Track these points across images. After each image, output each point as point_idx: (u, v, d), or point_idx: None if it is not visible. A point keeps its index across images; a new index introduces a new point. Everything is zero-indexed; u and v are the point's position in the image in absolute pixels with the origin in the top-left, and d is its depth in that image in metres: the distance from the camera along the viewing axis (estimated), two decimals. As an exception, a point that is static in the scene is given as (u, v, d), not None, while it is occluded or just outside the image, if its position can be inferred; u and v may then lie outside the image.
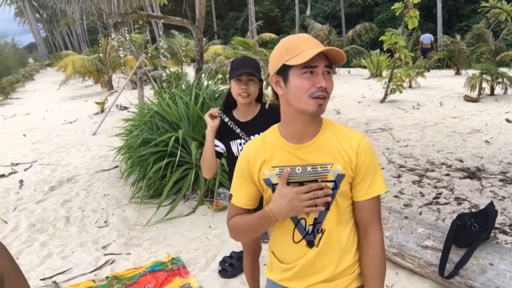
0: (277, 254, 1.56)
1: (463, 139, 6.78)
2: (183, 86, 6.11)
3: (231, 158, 2.33)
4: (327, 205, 1.42)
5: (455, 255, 2.81)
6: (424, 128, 7.66)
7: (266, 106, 2.33)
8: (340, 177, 1.40)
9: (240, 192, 1.53)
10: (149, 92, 10.30)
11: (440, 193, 4.67)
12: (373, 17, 28.96)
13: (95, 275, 3.50)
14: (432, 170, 5.40)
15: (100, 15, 4.93)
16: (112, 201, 5.14)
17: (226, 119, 2.30)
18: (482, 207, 3.93)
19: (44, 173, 6.63)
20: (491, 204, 2.99)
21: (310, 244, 1.46)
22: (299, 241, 1.46)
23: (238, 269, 3.31)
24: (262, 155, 1.46)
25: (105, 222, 4.58)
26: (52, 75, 31.46)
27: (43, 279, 3.47)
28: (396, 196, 4.65)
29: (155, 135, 4.96)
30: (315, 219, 1.43)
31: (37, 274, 3.57)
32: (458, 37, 16.52)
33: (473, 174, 5.16)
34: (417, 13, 9.03)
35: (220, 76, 8.14)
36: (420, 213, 4.19)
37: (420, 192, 4.74)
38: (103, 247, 4.00)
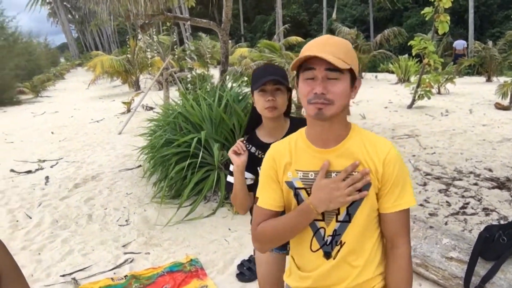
0: (296, 260, 1.52)
1: (493, 148, 6.57)
2: (208, 87, 6.12)
3: None
4: (349, 217, 1.36)
5: (481, 268, 2.70)
6: (452, 136, 7.46)
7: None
8: (365, 186, 1.34)
9: (268, 193, 1.48)
10: (174, 93, 10.39)
11: (468, 203, 4.52)
12: (402, 21, 28.54)
13: (114, 273, 3.52)
14: (460, 179, 5.24)
15: (128, 16, 4.98)
16: (134, 200, 5.17)
17: (253, 150, 1.96)
18: (511, 219, 3.78)
19: (69, 170, 6.74)
20: (521, 216, 2.86)
21: (327, 255, 1.41)
22: (317, 251, 1.42)
23: (256, 273, 3.27)
24: (287, 156, 1.43)
25: (126, 220, 4.61)
26: (82, 74, 32.19)
27: (63, 275, 3.50)
28: (421, 205, 4.53)
29: (178, 136, 4.97)
30: (335, 230, 1.38)
31: (57, 270, 3.62)
32: (490, 43, 16.10)
33: (502, 184, 4.98)
34: (448, 18, 8.83)
35: (245, 78, 8.13)
36: (446, 223, 4.06)
37: (447, 201, 4.60)
38: (123, 246, 4.02)
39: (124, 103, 12.74)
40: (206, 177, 4.74)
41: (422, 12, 9.31)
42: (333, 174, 1.35)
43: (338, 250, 1.39)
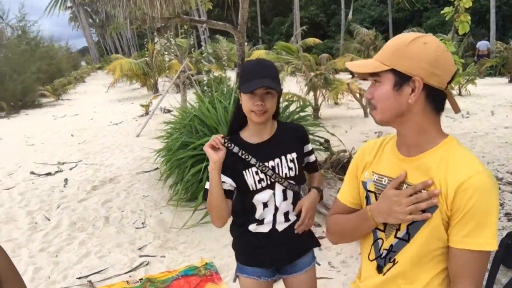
0: (360, 266, 1.48)
1: (515, 151, 6.40)
2: (224, 90, 6.12)
3: (246, 193, 1.75)
4: (408, 236, 1.24)
5: (503, 276, 2.62)
6: (473, 138, 7.30)
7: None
8: (432, 208, 1.18)
9: (347, 188, 1.47)
10: (192, 95, 10.44)
11: (489, 208, 4.40)
12: (422, 22, 28.18)
13: (130, 276, 3.53)
14: (481, 183, 5.10)
15: (144, 19, 5.01)
16: (150, 203, 5.20)
17: (236, 149, 1.72)
18: (535, 224, 3.67)
19: (88, 173, 6.82)
20: (545, 223, 2.76)
21: (379, 269, 1.33)
22: (372, 260, 1.36)
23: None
24: (371, 156, 1.39)
25: (142, 223, 4.63)
26: (102, 78, 32.62)
27: (79, 278, 3.53)
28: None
29: (194, 139, 4.97)
30: (391, 245, 1.28)
31: (74, 272, 3.65)
32: (512, 43, 15.77)
33: (526, 188, 4.84)
34: (469, 18, 8.61)
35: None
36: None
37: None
38: (139, 249, 4.04)
39: (142, 105, 12.85)
40: (222, 180, 4.71)
41: (442, 12, 9.12)
42: (404, 186, 1.25)
43: (389, 268, 1.30)
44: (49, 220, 4.91)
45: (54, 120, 13.91)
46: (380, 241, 1.33)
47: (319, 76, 9.63)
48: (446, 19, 9.14)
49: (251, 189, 1.72)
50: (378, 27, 27.88)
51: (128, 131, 10.50)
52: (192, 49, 13.59)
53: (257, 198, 1.74)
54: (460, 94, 12.25)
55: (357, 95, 10.00)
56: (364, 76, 1.30)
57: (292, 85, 10.88)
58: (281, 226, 1.79)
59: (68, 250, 4.10)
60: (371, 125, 8.88)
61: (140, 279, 3.43)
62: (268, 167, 1.73)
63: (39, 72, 20.70)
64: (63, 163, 7.59)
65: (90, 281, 3.46)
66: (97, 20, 59.85)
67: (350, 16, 25.67)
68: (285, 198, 1.77)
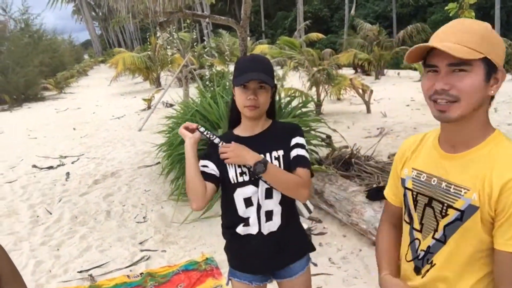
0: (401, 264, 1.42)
1: (518, 148, 6.38)
2: (226, 85, 6.10)
3: (228, 187, 1.72)
4: (444, 238, 1.18)
5: None
6: (476, 135, 7.28)
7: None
8: (471, 209, 1.11)
9: (390, 183, 1.45)
10: (194, 90, 10.44)
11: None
12: (426, 17, 28.08)
13: (130, 270, 3.54)
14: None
15: (146, 14, 5.00)
16: (152, 197, 5.20)
17: (216, 141, 1.70)
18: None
19: (89, 167, 6.83)
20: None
21: (417, 270, 1.28)
22: (409, 261, 1.31)
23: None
24: (411, 151, 1.34)
25: (143, 217, 4.64)
26: (104, 71, 32.64)
27: (80, 272, 3.54)
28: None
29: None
30: (429, 247, 1.23)
31: (75, 266, 3.66)
32: (517, 39, 15.68)
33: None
34: (473, 14, 8.55)
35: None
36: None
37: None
38: (140, 243, 4.04)
39: (144, 100, 12.85)
40: (223, 175, 4.72)
41: (446, 8, 9.07)
42: (444, 184, 1.19)
43: (428, 270, 1.24)
44: (51, 213, 4.92)
45: (56, 114, 13.94)
46: (417, 242, 1.28)
47: (322, 71, 9.60)
48: (450, 15, 9.06)
49: (232, 181, 1.68)
50: (382, 22, 27.78)
51: (130, 125, 10.51)
52: (195, 43, 13.58)
53: (238, 193, 1.69)
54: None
55: (360, 90, 9.97)
56: (416, 60, 1.19)
57: (294, 80, 10.86)
58: (265, 228, 1.72)
59: (69, 244, 4.11)
60: (374, 121, 8.87)
61: (140, 274, 3.44)
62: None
63: (42, 65, 20.75)
64: (65, 157, 7.60)
65: (91, 275, 3.47)
66: (100, 14, 59.84)
67: (353, 11, 25.58)
68: (269, 197, 1.69)
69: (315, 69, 9.80)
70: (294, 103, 5.71)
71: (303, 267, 1.85)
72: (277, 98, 5.58)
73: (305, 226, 3.97)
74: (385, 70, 18.72)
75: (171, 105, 11.71)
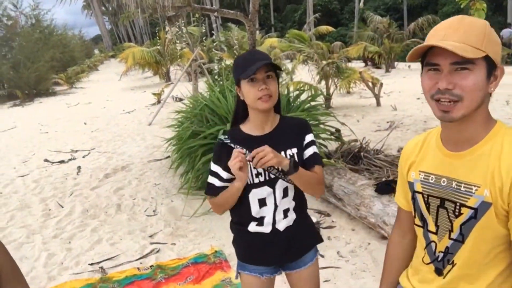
0: (413, 263, 1.42)
1: (530, 141, 6.30)
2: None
3: (243, 188, 1.67)
4: (462, 237, 1.18)
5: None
6: (487, 128, 7.20)
7: None
8: (484, 205, 1.11)
9: (399, 188, 1.45)
10: (204, 84, 10.46)
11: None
12: (437, 9, 27.76)
13: (140, 263, 3.58)
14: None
15: (155, 8, 5.02)
16: (162, 191, 5.25)
17: (245, 151, 1.59)
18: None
19: (100, 161, 6.90)
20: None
21: (438, 271, 1.27)
22: (428, 264, 1.31)
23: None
24: (415, 154, 1.32)
25: (153, 211, 4.68)
26: (115, 66, 32.79)
27: (91, 264, 3.59)
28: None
29: (204, 128, 4.99)
30: (447, 248, 1.23)
31: (86, 258, 3.71)
32: (530, 31, 15.45)
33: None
34: (484, 5, 8.44)
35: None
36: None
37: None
38: (150, 236, 4.09)
39: (154, 94, 12.91)
40: (232, 169, 4.73)
41: (457, -1, 8.95)
42: (454, 184, 1.18)
43: (449, 270, 1.24)
44: (62, 207, 4.99)
45: (67, 108, 14.07)
46: (433, 244, 1.27)
47: (331, 64, 9.55)
48: (462, 6, 8.95)
49: (248, 182, 1.67)
50: (392, 14, 27.54)
51: (140, 119, 10.57)
52: (204, 38, 13.58)
53: (254, 193, 1.69)
54: (475, 83, 12.08)
55: (370, 83, 9.91)
56: (417, 58, 1.17)
57: (303, 73, 10.82)
58: (281, 224, 1.74)
59: (81, 237, 4.17)
60: (383, 114, 8.82)
61: (150, 266, 3.48)
62: None
63: (53, 60, 20.93)
64: (76, 151, 7.69)
65: (101, 267, 3.52)
66: (110, 8, 59.99)
67: (361, 3, 25.36)
68: (285, 195, 1.72)
69: (324, 62, 9.76)
70: (303, 96, 5.70)
71: (311, 258, 1.87)
72: (285, 91, 5.57)
73: (314, 219, 3.98)
74: (396, 63, 18.55)
75: (181, 99, 11.75)
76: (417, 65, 18.40)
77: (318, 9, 34.07)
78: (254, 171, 1.68)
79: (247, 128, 1.74)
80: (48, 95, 18.67)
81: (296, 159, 1.69)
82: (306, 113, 5.13)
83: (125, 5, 5.42)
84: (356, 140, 5.62)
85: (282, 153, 1.67)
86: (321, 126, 5.25)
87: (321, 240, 1.93)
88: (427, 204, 1.27)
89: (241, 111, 1.75)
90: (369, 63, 19.14)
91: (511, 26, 18.49)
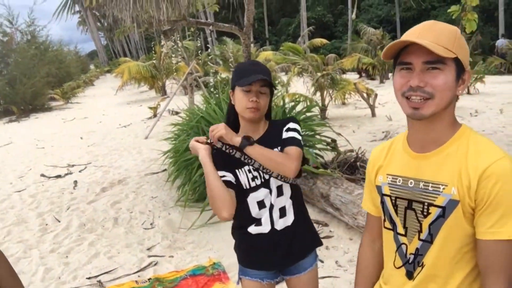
0: (384, 272, 1.42)
1: (524, 149, 6.36)
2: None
3: (240, 192, 1.74)
4: (430, 237, 1.19)
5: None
6: (481, 137, 7.26)
7: None
8: (452, 204, 1.13)
9: (366, 195, 1.46)
10: (200, 97, 10.51)
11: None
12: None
13: (138, 276, 3.57)
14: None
15: (151, 23, 5.07)
16: (159, 204, 5.24)
17: (219, 144, 1.73)
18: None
19: (97, 175, 6.89)
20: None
21: (409, 275, 1.27)
22: (399, 267, 1.29)
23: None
24: (382, 159, 1.35)
25: (151, 224, 4.67)
26: (110, 81, 32.85)
27: (89, 278, 3.57)
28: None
29: (201, 140, 5.00)
30: (417, 249, 1.23)
31: (84, 272, 3.69)
32: (521, 41, 15.66)
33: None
34: (476, 16, 8.60)
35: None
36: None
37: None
38: (148, 249, 4.08)
39: (150, 108, 12.94)
40: (229, 180, 4.75)
41: (449, 10, 9.10)
42: (421, 184, 1.20)
43: (419, 272, 1.24)
44: (59, 221, 4.97)
45: (63, 123, 14.06)
46: (404, 246, 1.27)
47: (326, 76, 9.63)
48: (453, 17, 9.12)
49: (245, 187, 1.74)
50: (385, 26, 27.83)
51: (137, 133, 10.58)
52: (199, 51, 13.66)
53: (252, 197, 1.74)
54: (468, 92, 12.18)
55: (365, 95, 9.99)
56: (391, 57, 1.21)
57: (299, 85, 10.89)
58: (279, 224, 1.76)
59: (78, 251, 4.15)
60: (379, 124, 8.88)
61: (148, 279, 3.46)
62: (256, 165, 1.71)
63: (49, 76, 20.92)
64: (73, 166, 7.67)
65: (99, 281, 3.50)
66: (105, 24, 60.29)
67: (354, 15, 25.53)
68: (280, 194, 1.75)
69: (319, 74, 9.84)
70: (299, 108, 5.74)
71: (311, 263, 1.89)
72: (281, 103, 5.61)
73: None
74: (390, 74, 18.67)
75: (177, 113, 11.77)
76: (411, 76, 18.56)
77: (312, 22, 34.37)
78: (250, 175, 1.73)
79: (239, 135, 1.78)
80: (44, 111, 18.66)
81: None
82: (302, 123, 5.16)
83: (121, 20, 5.46)
84: (352, 150, 5.65)
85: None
86: (317, 136, 5.28)
87: (320, 243, 1.95)
88: (395, 207, 1.28)
89: (232, 115, 1.82)
90: (363, 74, 19.29)
91: (504, 37, 18.76)
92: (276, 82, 10.62)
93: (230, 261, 3.68)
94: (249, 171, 1.73)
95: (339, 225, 4.13)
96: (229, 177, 1.73)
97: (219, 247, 3.98)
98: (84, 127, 12.55)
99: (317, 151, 5.12)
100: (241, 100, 1.71)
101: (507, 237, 1.07)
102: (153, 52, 19.59)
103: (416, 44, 1.10)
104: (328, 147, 5.49)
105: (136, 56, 48.94)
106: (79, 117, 15.20)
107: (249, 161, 1.71)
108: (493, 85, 13.40)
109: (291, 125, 1.77)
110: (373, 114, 9.93)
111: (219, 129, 1.68)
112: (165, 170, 6.38)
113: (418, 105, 1.13)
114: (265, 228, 1.77)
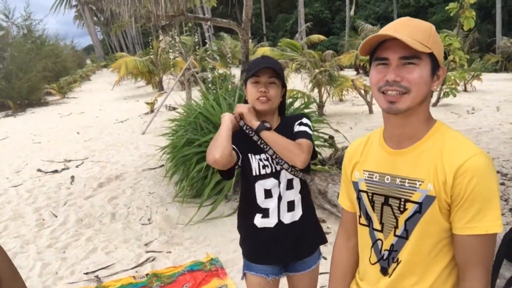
0: (360, 268, 1.43)
1: (521, 146, 6.39)
2: (229, 87, 6.14)
3: (249, 178, 1.79)
4: (406, 233, 1.20)
5: (506, 271, 2.62)
6: (478, 134, 7.29)
7: None
8: (428, 199, 1.14)
9: (342, 191, 1.46)
10: (197, 93, 10.48)
11: (494, 203, 4.40)
12: (427, 18, 28.03)
13: (136, 271, 3.57)
14: (486, 178, 5.11)
15: (149, 18, 5.05)
16: (156, 199, 5.24)
17: (241, 123, 1.80)
18: (539, 219, 3.67)
19: (94, 170, 6.87)
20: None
21: (383, 271, 1.27)
22: (374, 264, 1.30)
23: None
24: (359, 155, 1.35)
25: (148, 219, 4.67)
26: (107, 75, 32.72)
27: (86, 273, 3.57)
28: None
29: (198, 136, 5.00)
30: (392, 245, 1.24)
31: (81, 268, 3.69)
32: (518, 38, 15.69)
33: (531, 184, 4.84)
34: (473, 13, 8.61)
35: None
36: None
37: (472, 201, 4.49)
38: (145, 244, 4.08)
39: (147, 103, 12.91)
40: (227, 176, 4.75)
41: (447, 8, 9.11)
42: (398, 180, 1.21)
43: (395, 268, 1.24)
44: (56, 216, 4.96)
45: (60, 118, 14.01)
46: (379, 242, 1.27)
47: (324, 72, 9.63)
48: (451, 14, 9.13)
49: (254, 173, 1.76)
50: (383, 23, 27.76)
51: (134, 128, 10.55)
52: (197, 47, 13.63)
53: (260, 184, 1.76)
54: (465, 90, 12.22)
55: (362, 91, 9.99)
56: (367, 53, 1.22)
57: (296, 81, 10.89)
58: (286, 218, 1.78)
59: (75, 246, 4.14)
60: (376, 121, 8.89)
61: (146, 274, 3.47)
62: (268, 145, 1.75)
63: (45, 70, 20.82)
64: (70, 161, 7.65)
65: (97, 276, 3.50)
66: (102, 19, 59.96)
67: (352, 12, 25.60)
68: (290, 187, 1.77)
69: (316, 70, 9.83)
70: (297, 104, 5.74)
71: (315, 261, 1.91)
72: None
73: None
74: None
75: (174, 108, 11.76)
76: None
77: (310, 19, 34.33)
78: (261, 163, 1.76)
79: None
80: (40, 105, 18.57)
81: None
82: (300, 120, 5.16)
83: (119, 15, 5.43)
84: (349, 147, 5.65)
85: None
86: (315, 133, 5.28)
87: (326, 240, 1.97)
88: (372, 202, 1.29)
89: None
90: (360, 71, 19.31)
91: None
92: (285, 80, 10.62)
93: (228, 256, 3.69)
94: (261, 160, 1.77)
95: (337, 222, 4.14)
96: (237, 150, 1.76)
97: (216, 242, 3.98)
98: (81, 122, 12.51)
99: (314, 148, 5.13)
100: (251, 92, 1.76)
101: (484, 232, 1.09)
102: (150, 47, 19.52)
103: (392, 40, 1.12)
104: (326, 144, 5.50)
105: (133, 51, 48.74)
106: (76, 112, 15.15)
107: (265, 147, 1.75)
108: (490, 82, 13.45)
109: (304, 120, 1.83)
110: (371, 111, 9.95)
111: (243, 107, 1.77)
112: (162, 165, 6.38)
113: (394, 99, 1.14)
114: (271, 220, 1.78)
